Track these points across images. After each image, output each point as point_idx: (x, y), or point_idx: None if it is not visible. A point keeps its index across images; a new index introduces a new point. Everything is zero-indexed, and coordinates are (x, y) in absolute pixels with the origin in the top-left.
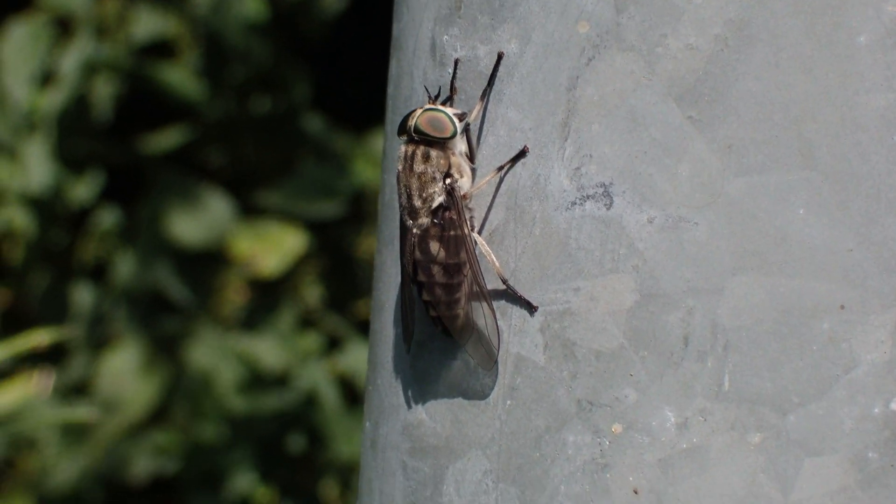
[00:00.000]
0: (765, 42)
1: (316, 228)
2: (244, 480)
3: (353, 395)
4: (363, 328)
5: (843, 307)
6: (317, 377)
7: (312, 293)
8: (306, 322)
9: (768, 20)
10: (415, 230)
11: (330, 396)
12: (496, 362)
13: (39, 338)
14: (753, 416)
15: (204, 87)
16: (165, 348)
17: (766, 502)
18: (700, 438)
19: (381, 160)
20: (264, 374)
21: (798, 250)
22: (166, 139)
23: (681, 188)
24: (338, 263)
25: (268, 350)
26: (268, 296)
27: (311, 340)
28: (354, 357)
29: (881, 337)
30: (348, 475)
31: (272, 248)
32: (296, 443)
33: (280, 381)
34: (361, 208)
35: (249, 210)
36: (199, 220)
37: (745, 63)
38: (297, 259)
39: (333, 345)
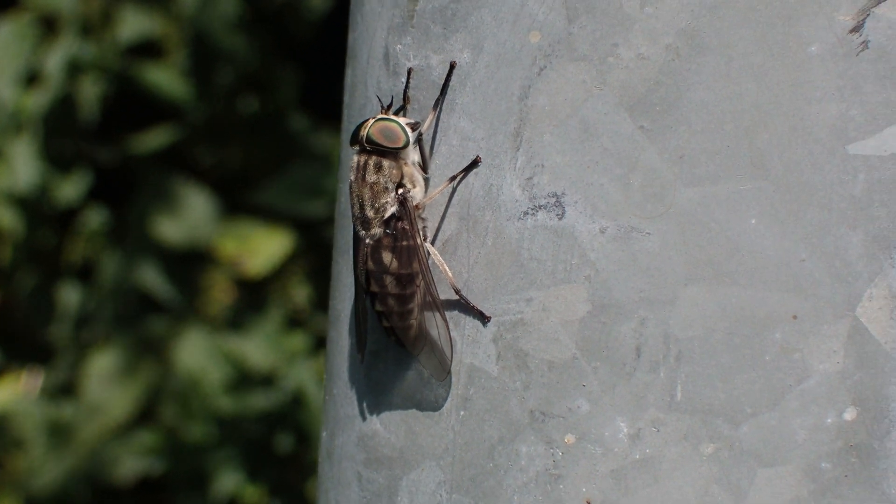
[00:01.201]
0: (716, 52)
1: (303, 228)
2: (231, 480)
3: None
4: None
5: (795, 317)
6: (304, 377)
7: (299, 293)
8: (293, 322)
9: (720, 30)
10: (367, 240)
11: (317, 396)
12: (449, 373)
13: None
14: (706, 427)
15: (191, 87)
16: (152, 348)
17: None
18: (653, 449)
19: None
20: (251, 373)
21: (750, 260)
22: (153, 139)
23: (633, 198)
24: (325, 263)
25: (255, 350)
26: (255, 296)
27: (298, 340)
28: None
29: (834, 347)
30: None
31: (259, 247)
32: (283, 442)
33: (267, 380)
34: None
35: (236, 210)
36: (186, 220)
37: (696, 73)
38: (284, 259)
39: (321, 344)
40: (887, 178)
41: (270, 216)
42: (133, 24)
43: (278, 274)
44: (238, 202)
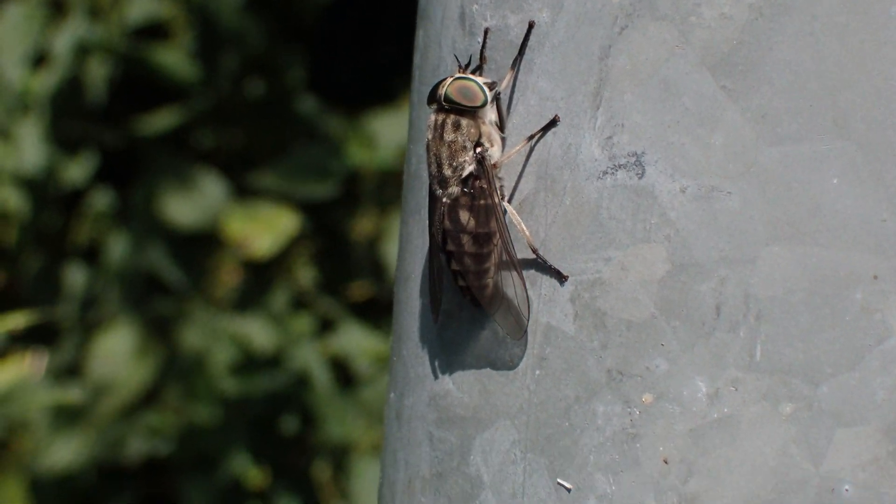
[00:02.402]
0: (799, 11)
1: (309, 210)
2: (237, 462)
3: (345, 376)
4: (356, 310)
5: (876, 277)
6: (309, 359)
7: (305, 275)
8: (299, 303)
9: None
10: (444, 199)
11: (322, 378)
12: (525, 332)
13: (17, 320)
14: (785, 387)
15: (198, 69)
16: (158, 330)
17: (797, 473)
18: (731, 409)
19: (373, 139)
20: (257, 355)
21: (831, 220)
22: (160, 121)
23: (714, 158)
24: (331, 245)
25: (260, 331)
26: (261, 277)
27: (304, 322)
28: (347, 339)
29: None
30: (341, 456)
31: (265, 229)
32: (288, 424)
33: (273, 362)
34: (355, 190)
35: (243, 192)
36: (193, 201)
37: (779, 32)
38: (290, 240)
39: (326, 326)
40: None
41: (277, 198)
42: (140, 6)
43: (284, 256)
44: (244, 184)
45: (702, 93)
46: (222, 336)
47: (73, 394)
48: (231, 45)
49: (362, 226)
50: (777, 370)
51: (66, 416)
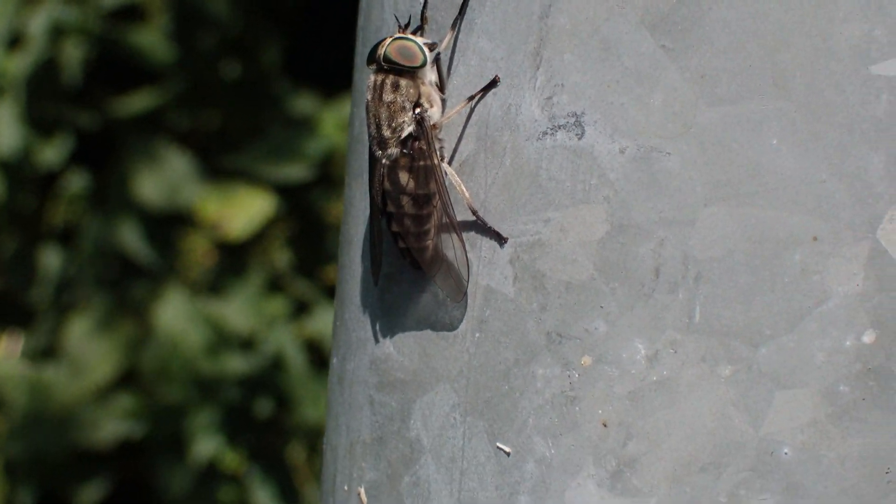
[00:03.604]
0: None
1: (285, 192)
2: (211, 444)
3: (320, 359)
4: (331, 293)
5: (815, 239)
6: (284, 341)
7: (280, 257)
8: (274, 286)
9: None
10: (384, 160)
11: (297, 360)
12: (465, 294)
13: None
14: (724, 349)
15: (173, 51)
16: (133, 311)
17: (736, 435)
18: (670, 371)
19: (348, 122)
20: (231, 337)
21: (771, 181)
22: (136, 103)
23: (653, 118)
24: (306, 228)
25: (235, 313)
26: (235, 259)
27: (279, 304)
28: (322, 321)
29: (854, 269)
30: (315, 439)
31: (240, 211)
32: (263, 407)
33: (247, 344)
34: (331, 172)
35: (218, 173)
36: (167, 183)
37: None
38: (265, 222)
39: (301, 309)
40: None
41: (251, 180)
42: None
43: (259, 238)
44: (219, 166)
45: (641, 52)
46: (196, 317)
47: (48, 375)
48: (207, 27)
49: (338, 208)
50: (716, 332)
51: (41, 398)
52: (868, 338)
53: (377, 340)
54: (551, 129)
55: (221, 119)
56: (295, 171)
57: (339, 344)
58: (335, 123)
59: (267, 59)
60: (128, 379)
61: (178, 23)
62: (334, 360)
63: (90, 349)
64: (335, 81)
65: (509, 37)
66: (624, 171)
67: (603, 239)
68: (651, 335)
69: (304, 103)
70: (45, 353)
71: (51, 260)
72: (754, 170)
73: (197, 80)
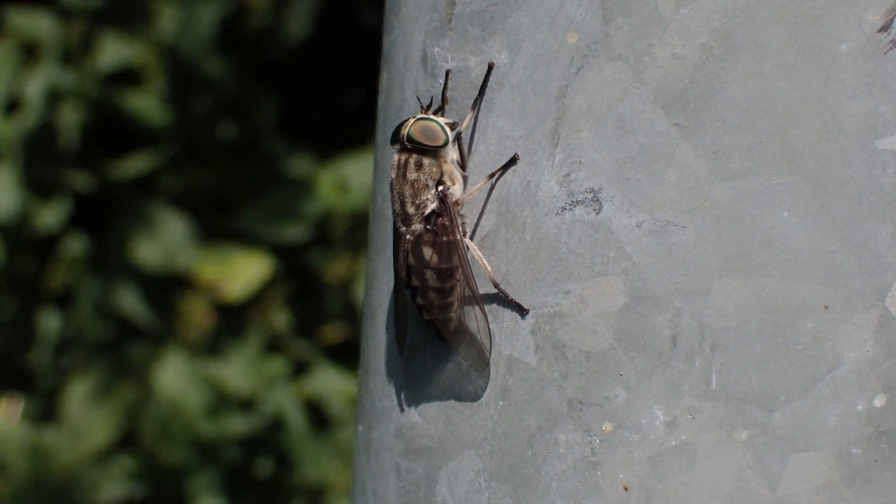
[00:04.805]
0: (749, 51)
1: (282, 253)
2: None
3: (320, 418)
4: (330, 352)
5: (826, 307)
6: (283, 401)
7: (279, 318)
8: (273, 346)
9: (752, 30)
10: (408, 236)
11: (297, 420)
12: (488, 364)
13: None
14: (740, 414)
15: (169, 113)
16: (132, 373)
17: (753, 498)
18: (688, 436)
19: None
20: (231, 398)
21: (783, 252)
22: (132, 166)
23: (668, 193)
24: (304, 288)
25: (234, 374)
26: (234, 320)
27: (278, 364)
28: (321, 381)
29: (864, 336)
30: (316, 498)
31: (238, 272)
32: (263, 466)
33: (247, 405)
34: (327, 232)
35: (215, 234)
36: (165, 245)
37: (729, 71)
38: (263, 283)
39: (300, 369)
40: None
41: (249, 241)
42: (113, 52)
43: (257, 298)
44: (216, 227)
45: (656, 130)
46: (196, 379)
47: (48, 438)
48: (203, 90)
49: (335, 268)
50: (732, 398)
51: (42, 461)
52: (879, 402)
53: (402, 409)
54: (570, 205)
55: (218, 180)
56: (292, 232)
57: (365, 412)
58: (332, 183)
59: (262, 119)
60: (128, 441)
61: (174, 86)
62: (360, 428)
63: (90, 411)
64: (331, 141)
65: (528, 116)
66: (641, 245)
67: (621, 310)
68: (669, 402)
69: (300, 163)
70: (45, 415)
71: (50, 323)
72: (766, 242)
73: (193, 142)
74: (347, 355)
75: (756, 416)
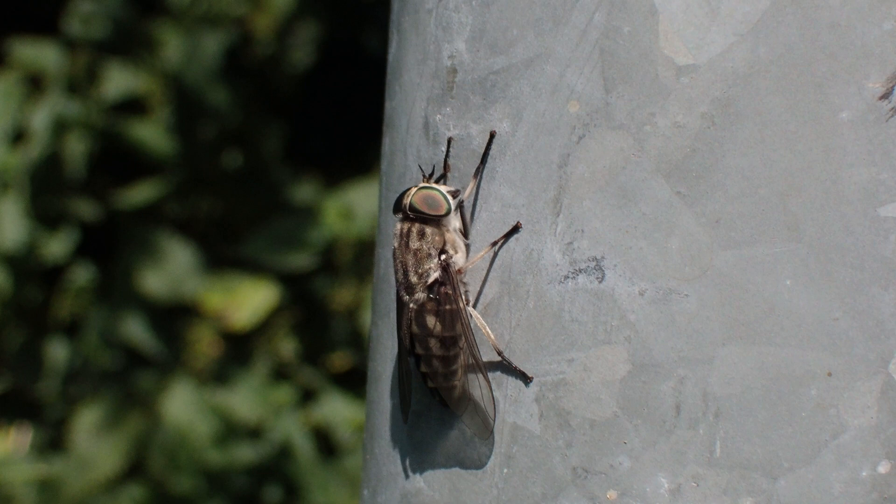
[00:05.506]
0: (750, 119)
1: (288, 281)
2: None
3: (327, 446)
4: (337, 380)
5: (830, 374)
6: (291, 429)
7: (286, 346)
8: (280, 374)
9: (753, 98)
10: (411, 305)
11: (305, 448)
12: (492, 432)
13: None
14: (745, 481)
15: (175, 143)
16: (140, 402)
17: None
18: (693, 503)
19: (351, 209)
20: (238, 426)
21: (786, 320)
22: (138, 195)
23: (671, 261)
24: (311, 316)
25: (242, 403)
26: (241, 349)
27: (285, 392)
28: (329, 408)
29: (868, 402)
30: None
31: (244, 300)
32: (271, 495)
33: (254, 433)
34: (334, 260)
35: (221, 263)
36: (171, 274)
37: (731, 140)
38: (270, 312)
39: (307, 397)
40: None
41: (255, 269)
42: (118, 82)
43: (264, 327)
44: (222, 255)
45: (658, 199)
46: (203, 408)
47: (57, 468)
48: (207, 119)
49: (341, 296)
50: (736, 465)
51: (50, 491)
52: (883, 468)
53: (407, 475)
54: (573, 273)
55: (223, 208)
56: (298, 260)
57: (370, 477)
58: (337, 211)
59: (267, 148)
60: (136, 470)
61: (179, 115)
62: (365, 493)
63: (98, 441)
64: (336, 169)
65: (530, 184)
66: (644, 313)
67: (625, 378)
68: (674, 469)
69: (305, 191)
70: (53, 445)
71: (57, 352)
72: (769, 309)
73: (198, 171)
74: (354, 383)
75: (761, 483)
